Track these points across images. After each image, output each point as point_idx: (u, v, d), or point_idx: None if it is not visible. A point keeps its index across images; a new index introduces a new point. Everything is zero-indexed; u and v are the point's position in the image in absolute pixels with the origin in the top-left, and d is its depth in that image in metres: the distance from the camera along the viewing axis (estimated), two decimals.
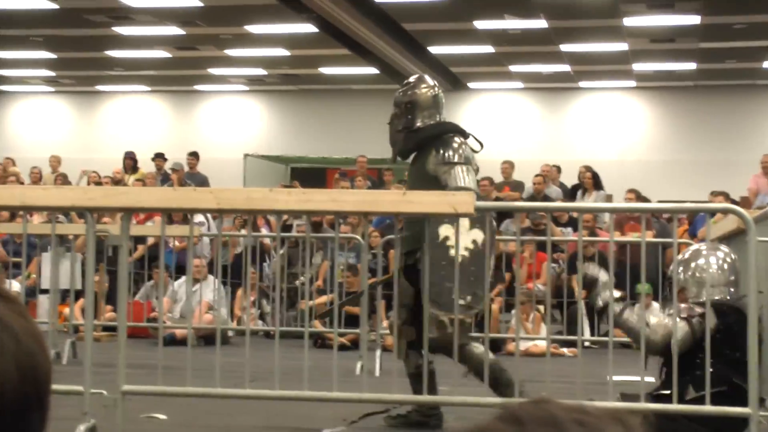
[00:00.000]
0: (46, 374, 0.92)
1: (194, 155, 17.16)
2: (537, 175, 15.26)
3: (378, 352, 8.93)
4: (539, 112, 22.04)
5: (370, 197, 6.87)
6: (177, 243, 12.67)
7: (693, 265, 5.64)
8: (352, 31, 16.23)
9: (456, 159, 6.26)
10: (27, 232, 8.63)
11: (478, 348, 6.15)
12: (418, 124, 6.52)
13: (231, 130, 22.90)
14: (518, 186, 15.75)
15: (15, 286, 9.94)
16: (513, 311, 11.49)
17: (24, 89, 23.79)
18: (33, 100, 24.12)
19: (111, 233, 9.58)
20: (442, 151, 6.30)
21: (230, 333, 11.40)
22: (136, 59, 20.04)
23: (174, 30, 17.46)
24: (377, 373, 8.48)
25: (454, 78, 20.97)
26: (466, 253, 5.98)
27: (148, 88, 23.25)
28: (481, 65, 19.93)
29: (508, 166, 16.30)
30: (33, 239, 10.86)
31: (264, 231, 13.58)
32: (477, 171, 6.69)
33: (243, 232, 12.46)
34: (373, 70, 19.62)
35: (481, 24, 16.56)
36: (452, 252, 5.91)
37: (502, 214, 13.40)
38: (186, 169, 16.74)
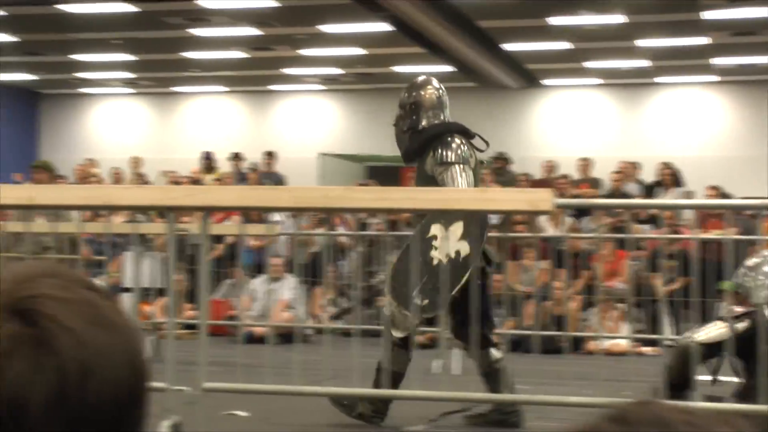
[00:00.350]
0: (148, 369, 0.93)
1: (270, 155, 17.29)
2: (615, 172, 15.10)
3: (457, 351, 8.89)
4: (616, 108, 21.80)
5: (448, 195, 6.84)
6: (254, 242, 12.77)
7: (761, 270, 5.59)
8: (427, 30, 16.20)
9: (452, 159, 6.27)
10: (109, 231, 8.77)
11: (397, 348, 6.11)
12: (423, 124, 6.53)
13: (306, 129, 23.01)
14: (596, 183, 15.60)
15: None
16: (592, 309, 11.39)
17: (104, 91, 24.18)
18: (113, 101, 24.50)
19: (191, 232, 9.69)
20: (440, 151, 6.32)
21: (308, 331, 11.46)
22: (212, 60, 20.25)
23: (249, 31, 17.60)
24: (456, 371, 8.45)
25: (528, 75, 20.83)
26: (444, 259, 5.98)
27: (225, 89, 23.47)
28: (556, 62, 19.77)
29: (585, 163, 16.16)
30: (115, 239, 11.03)
31: (341, 230, 13.63)
32: (481, 166, 6.64)
33: (319, 231, 12.50)
34: (447, 69, 19.58)
35: (555, 20, 16.43)
36: (432, 253, 5.93)
37: (580, 212, 13.29)
38: (263, 168, 16.88)
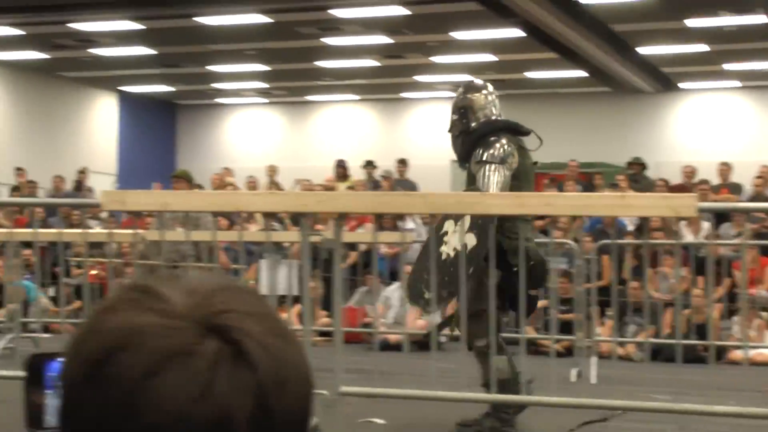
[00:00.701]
0: (313, 376, 0.92)
1: (403, 162, 17.33)
2: (757, 177, 14.64)
3: (594, 359, 8.73)
4: (757, 111, 21.17)
5: (585, 201, 6.75)
6: (388, 249, 12.79)
7: None
8: (559, 34, 16.01)
9: (488, 158, 6.16)
10: (244, 239, 8.89)
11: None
12: (473, 125, 6.43)
13: (439, 136, 22.93)
14: (736, 188, 15.16)
15: None
16: (734, 318, 11.06)
17: (239, 101, 24.64)
18: (247, 111, 24.95)
19: (324, 236, 9.75)
20: (479, 150, 6.24)
21: (443, 338, 11.41)
22: (344, 69, 20.42)
23: (381, 39, 17.69)
24: (593, 380, 8.30)
25: (664, 78, 20.42)
26: (452, 253, 5.88)
27: (357, 97, 23.65)
28: (693, 65, 19.32)
29: (725, 168, 15.72)
30: (252, 247, 11.18)
31: None
32: (534, 166, 6.43)
33: None
34: (581, 74, 19.33)
35: (693, 22, 16.05)
36: (442, 248, 5.87)
37: (720, 218, 12.93)
38: (395, 175, 16.92)
